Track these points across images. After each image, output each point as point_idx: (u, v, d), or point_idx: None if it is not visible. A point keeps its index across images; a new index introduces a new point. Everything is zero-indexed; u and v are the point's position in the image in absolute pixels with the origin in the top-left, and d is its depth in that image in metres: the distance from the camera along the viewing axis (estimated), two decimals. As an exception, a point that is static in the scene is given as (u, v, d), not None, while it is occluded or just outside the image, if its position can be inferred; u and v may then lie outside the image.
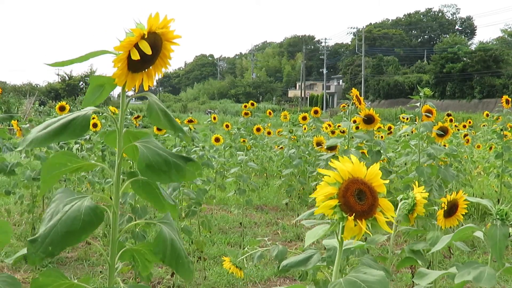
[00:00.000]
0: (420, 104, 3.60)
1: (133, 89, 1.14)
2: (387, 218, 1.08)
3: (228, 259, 2.16)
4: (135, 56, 1.03)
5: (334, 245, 1.30)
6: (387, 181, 1.08)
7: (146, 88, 1.15)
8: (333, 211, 1.03)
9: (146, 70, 1.13)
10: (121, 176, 1.19)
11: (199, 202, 3.90)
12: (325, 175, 1.05)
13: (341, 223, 1.05)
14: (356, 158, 1.07)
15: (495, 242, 1.37)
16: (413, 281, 3.46)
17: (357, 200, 1.03)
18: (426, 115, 3.57)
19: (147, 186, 1.22)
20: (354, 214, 1.02)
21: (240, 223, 5.62)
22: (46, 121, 1.14)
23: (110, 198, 1.20)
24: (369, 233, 1.05)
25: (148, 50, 1.04)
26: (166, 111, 1.18)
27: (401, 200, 1.71)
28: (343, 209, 1.03)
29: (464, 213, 1.81)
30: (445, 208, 1.79)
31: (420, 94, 3.56)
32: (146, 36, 1.05)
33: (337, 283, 1.03)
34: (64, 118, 1.12)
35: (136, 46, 1.04)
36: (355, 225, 1.02)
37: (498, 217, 1.43)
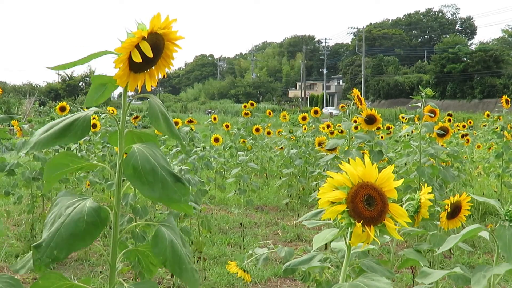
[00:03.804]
0: (421, 104, 3.59)
1: (136, 89, 1.13)
2: (397, 224, 1.04)
3: (234, 263, 2.16)
4: (136, 57, 1.02)
5: (342, 248, 1.28)
6: (399, 184, 1.05)
7: (148, 89, 1.13)
8: (341, 216, 1.01)
9: (148, 70, 1.12)
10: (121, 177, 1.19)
11: (197, 203, 3.89)
12: (332, 177, 1.02)
13: (349, 228, 1.03)
14: (368, 161, 1.04)
15: (504, 243, 1.37)
16: (413, 281, 3.46)
17: (366, 206, 1.00)
18: (429, 115, 3.56)
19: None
20: (362, 220, 0.99)
21: (240, 223, 5.61)
22: (49, 123, 1.13)
23: (110, 198, 1.19)
24: (377, 240, 1.01)
25: (148, 51, 1.02)
26: (167, 115, 1.15)
27: (406, 201, 1.70)
28: (351, 214, 0.99)
29: (466, 215, 1.81)
30: (449, 210, 1.78)
31: (422, 94, 3.55)
32: (147, 37, 1.04)
33: (342, 286, 1.01)
34: (65, 120, 1.10)
35: (137, 46, 1.03)
36: (363, 231, 0.99)
37: (507, 218, 1.42)
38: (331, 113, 40.40)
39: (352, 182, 1.01)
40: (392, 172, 1.05)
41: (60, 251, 1.00)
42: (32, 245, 1.02)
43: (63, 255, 1.00)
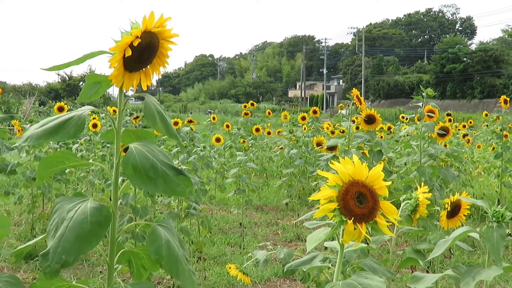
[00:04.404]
0: (422, 104, 3.59)
1: (131, 88, 1.13)
2: (389, 221, 1.05)
3: (234, 266, 2.16)
4: (129, 56, 1.02)
5: (336, 247, 1.29)
6: (390, 183, 1.06)
7: (144, 88, 1.13)
8: (333, 214, 1.01)
9: (144, 69, 1.12)
10: (120, 177, 1.18)
11: (197, 203, 3.89)
12: (326, 177, 1.03)
13: (341, 226, 1.03)
14: (358, 159, 1.04)
15: (492, 244, 1.37)
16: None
17: (357, 203, 1.00)
18: (428, 115, 3.56)
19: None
20: (353, 217, 0.99)
21: (240, 223, 5.61)
22: (45, 119, 1.13)
23: (110, 199, 1.19)
24: (369, 237, 1.02)
25: (141, 48, 1.02)
26: (163, 114, 1.14)
27: (403, 200, 1.70)
28: (343, 212, 1.00)
29: (466, 214, 1.81)
30: (449, 209, 1.78)
31: (423, 94, 3.54)
32: (141, 36, 1.03)
33: (335, 284, 1.01)
34: (61, 117, 1.10)
35: (131, 46, 1.03)
36: (355, 228, 0.99)
37: (494, 219, 1.42)
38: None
39: (343, 180, 1.02)
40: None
41: (69, 255, 0.98)
42: (39, 254, 1.00)
43: (72, 259, 0.99)
